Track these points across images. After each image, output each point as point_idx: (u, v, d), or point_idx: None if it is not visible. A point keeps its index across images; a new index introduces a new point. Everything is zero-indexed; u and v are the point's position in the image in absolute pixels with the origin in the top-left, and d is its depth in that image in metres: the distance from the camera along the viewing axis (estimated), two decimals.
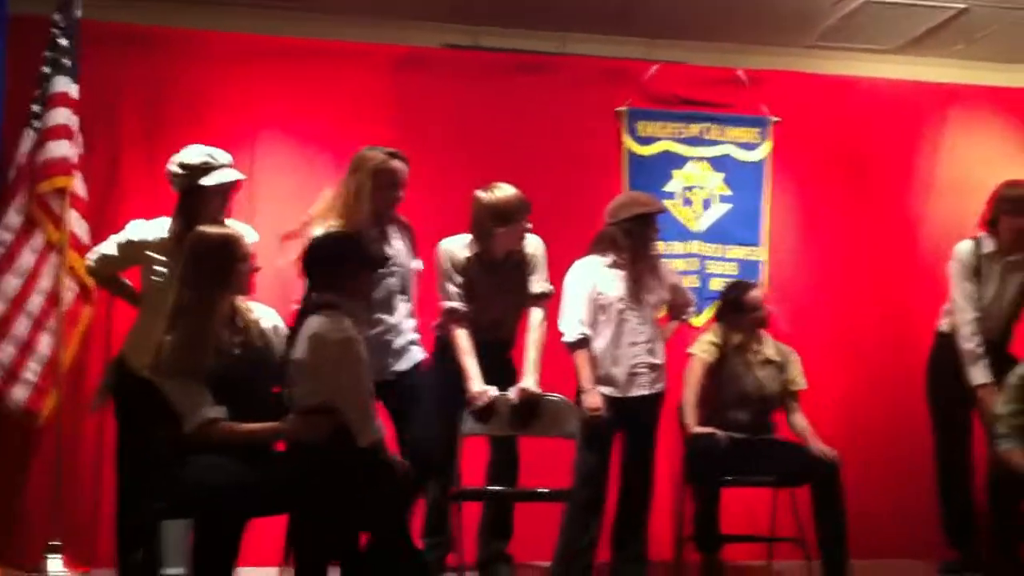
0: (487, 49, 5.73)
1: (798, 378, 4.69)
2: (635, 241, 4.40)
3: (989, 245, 4.70)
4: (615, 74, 5.45)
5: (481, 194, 4.22)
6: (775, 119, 5.47)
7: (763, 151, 5.46)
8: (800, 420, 4.64)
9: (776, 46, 6.41)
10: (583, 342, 4.36)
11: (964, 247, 4.74)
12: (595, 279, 4.41)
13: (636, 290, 4.41)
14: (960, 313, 4.68)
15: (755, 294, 4.69)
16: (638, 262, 4.42)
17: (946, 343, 4.77)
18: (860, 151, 5.57)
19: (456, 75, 5.30)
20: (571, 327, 4.38)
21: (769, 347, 4.69)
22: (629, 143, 5.36)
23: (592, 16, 6.09)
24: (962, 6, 5.96)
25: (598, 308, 4.40)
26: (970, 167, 5.50)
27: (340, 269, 3.52)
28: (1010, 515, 4.28)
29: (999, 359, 4.61)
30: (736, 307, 4.65)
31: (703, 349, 4.63)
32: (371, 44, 5.34)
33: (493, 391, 4.10)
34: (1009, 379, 4.43)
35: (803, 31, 6.34)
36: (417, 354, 4.07)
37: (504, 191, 4.20)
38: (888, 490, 5.16)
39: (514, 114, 5.28)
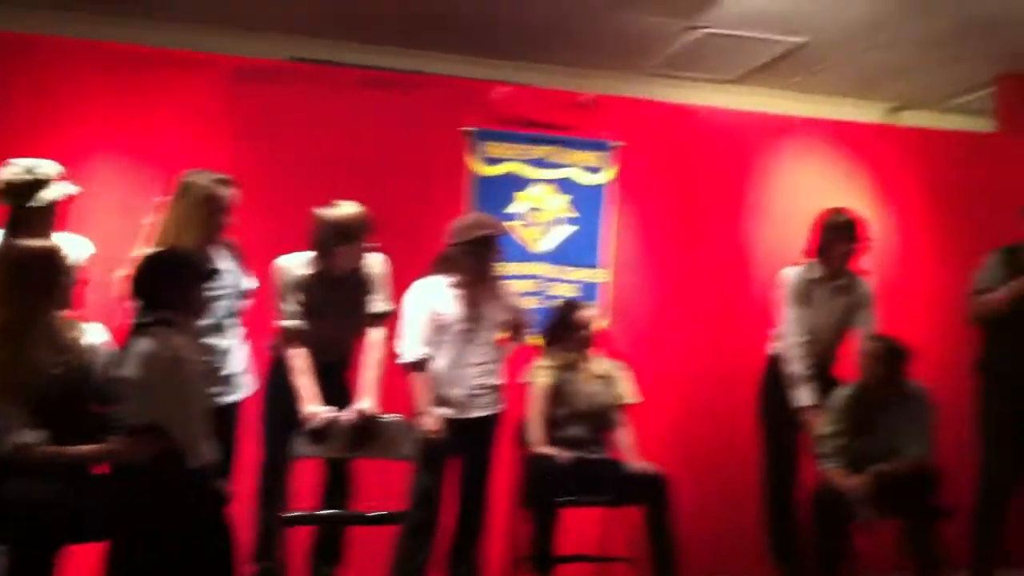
0: (335, 63, 5.68)
1: (625, 393, 4.78)
2: (477, 262, 4.42)
3: (816, 271, 4.89)
4: (464, 94, 5.45)
5: (322, 211, 4.18)
6: (619, 144, 5.56)
7: (606, 175, 5.55)
8: (624, 435, 4.73)
9: (621, 71, 6.58)
10: (421, 363, 4.35)
11: (792, 273, 4.92)
12: (435, 299, 4.41)
13: (476, 311, 4.43)
14: (788, 337, 4.85)
15: (583, 313, 4.78)
16: (479, 283, 4.44)
17: (776, 366, 4.94)
18: (699, 178, 5.71)
19: (302, 89, 5.20)
20: (409, 348, 4.36)
21: (598, 364, 4.79)
22: (475, 163, 5.38)
23: (443, 35, 6.13)
24: (802, 40, 6.21)
25: (438, 329, 4.39)
26: (801, 196, 5.70)
27: (173, 284, 3.44)
28: (833, 534, 4.46)
29: (825, 382, 4.79)
30: (565, 326, 4.74)
31: (540, 375, 4.68)
32: (213, 54, 5.22)
33: (328, 412, 4.05)
34: (832, 401, 4.62)
35: (647, 58, 6.52)
36: (247, 388, 4.01)
37: (346, 208, 4.17)
38: (719, 510, 5.29)
39: (361, 131, 5.22)
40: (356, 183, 4.74)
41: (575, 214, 5.49)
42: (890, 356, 4.51)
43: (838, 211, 4.92)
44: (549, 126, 5.51)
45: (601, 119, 5.59)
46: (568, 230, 5.48)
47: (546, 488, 4.42)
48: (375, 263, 4.30)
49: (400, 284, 4.45)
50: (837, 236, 4.85)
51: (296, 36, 5.99)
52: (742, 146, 5.80)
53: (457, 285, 4.43)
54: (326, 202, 4.21)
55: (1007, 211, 4.95)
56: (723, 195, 5.73)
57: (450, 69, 5.94)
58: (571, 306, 4.83)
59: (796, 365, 4.79)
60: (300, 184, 4.87)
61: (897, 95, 7.10)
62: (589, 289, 5.47)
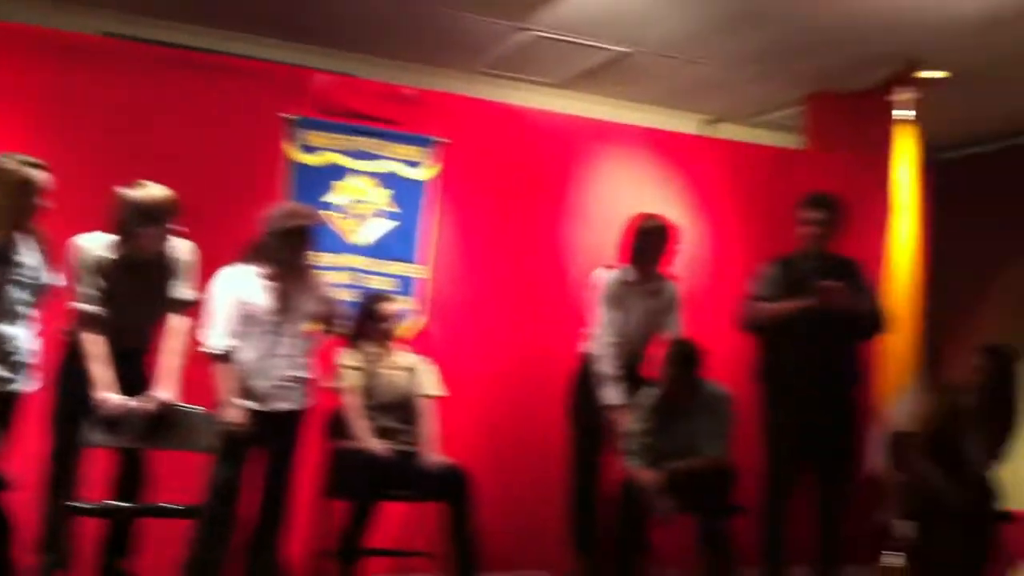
0: (150, 42, 5.48)
1: (427, 385, 4.77)
2: (289, 252, 4.33)
3: (628, 274, 5.00)
4: (284, 80, 5.34)
5: (127, 192, 4.01)
6: (443, 140, 5.55)
7: (429, 171, 5.53)
8: (425, 428, 4.70)
9: (448, 68, 6.58)
10: (227, 353, 4.24)
11: (604, 275, 5.01)
12: (244, 288, 4.30)
13: (286, 302, 4.34)
14: (599, 337, 4.94)
15: (386, 306, 4.75)
16: (290, 273, 4.35)
17: (587, 365, 5.02)
18: (521, 178, 5.75)
19: (114, 67, 4.98)
20: (214, 337, 4.24)
21: (402, 356, 4.78)
22: (294, 151, 5.27)
23: (264, 19, 6.00)
24: (626, 50, 6.36)
25: (245, 318, 4.29)
26: (619, 201, 5.82)
27: None
28: (632, 528, 4.55)
29: (633, 382, 4.89)
30: (368, 318, 4.70)
31: (348, 375, 4.62)
32: (18, 24, 4.95)
33: (121, 399, 3.89)
34: (638, 399, 4.72)
35: (476, 57, 6.55)
36: (32, 380, 3.87)
37: (152, 189, 4.02)
38: (524, 504, 5.34)
39: (174, 112, 5.02)
40: (169, 166, 4.55)
41: (395, 208, 5.45)
42: (684, 360, 4.65)
43: (651, 216, 5.04)
44: (372, 118, 5.45)
45: (426, 115, 5.56)
46: (388, 224, 5.43)
47: (360, 481, 4.37)
48: (182, 249, 4.15)
49: (211, 273, 4.33)
50: (648, 241, 4.97)
51: (110, 10, 5.75)
52: (564, 149, 5.88)
53: (268, 275, 4.33)
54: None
55: None
56: (544, 197, 5.79)
57: (269, 54, 5.81)
58: (374, 298, 4.80)
59: (606, 365, 4.89)
60: (111, 166, 4.63)
61: (712, 108, 7.34)
62: (406, 284, 5.44)
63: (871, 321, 5.07)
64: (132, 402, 3.89)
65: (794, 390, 4.86)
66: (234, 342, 4.25)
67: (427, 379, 4.78)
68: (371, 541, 4.59)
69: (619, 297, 4.98)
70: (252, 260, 4.35)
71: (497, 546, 4.62)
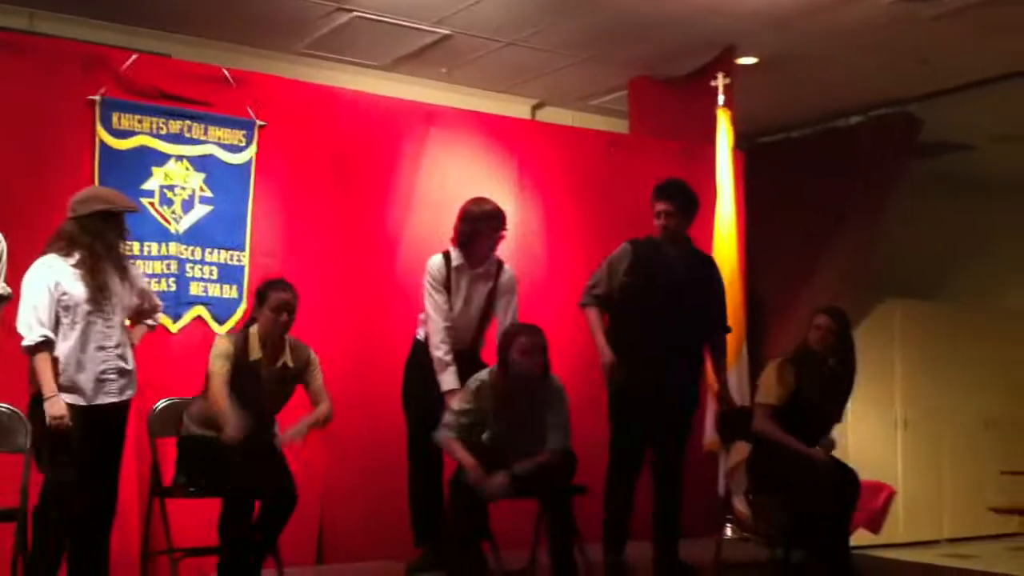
0: None
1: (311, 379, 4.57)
2: (95, 239, 4.08)
3: (458, 259, 4.92)
4: (90, 60, 5.00)
5: None
6: (261, 123, 5.34)
7: (248, 154, 5.31)
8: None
9: (265, 50, 6.38)
10: (44, 345, 3.97)
11: (435, 261, 4.91)
12: (58, 278, 4.03)
13: (101, 292, 4.09)
14: (431, 323, 4.85)
15: (279, 294, 4.38)
16: (101, 262, 4.10)
17: (420, 350, 4.93)
18: (345, 161, 5.59)
19: None
20: (31, 329, 3.96)
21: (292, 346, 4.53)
22: (103, 135, 4.95)
23: None
24: (446, 32, 6.29)
25: (62, 310, 4.03)
26: (447, 185, 5.75)
27: None
28: (468, 513, 4.47)
29: (469, 366, 4.82)
30: (261, 303, 4.40)
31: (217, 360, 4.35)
32: None
33: None
34: (470, 383, 4.65)
35: (292, 38, 6.38)
36: None
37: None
38: (366, 494, 5.23)
39: None
40: None
41: (210, 193, 5.21)
42: (536, 350, 4.55)
43: (479, 201, 4.97)
44: (186, 100, 5.19)
45: (243, 96, 5.33)
46: (203, 209, 5.19)
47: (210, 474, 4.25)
48: None
49: (18, 263, 4.07)
50: (476, 225, 4.89)
51: None
52: (389, 132, 5.76)
53: (78, 263, 4.06)
54: None
55: (643, 208, 5.19)
56: (370, 180, 5.66)
57: (72, 32, 5.48)
58: (267, 285, 4.44)
59: (438, 350, 4.80)
60: None
61: (538, 92, 7.36)
62: (231, 271, 5.22)
63: (720, 330, 5.21)
64: None
65: (630, 360, 4.89)
66: (51, 334, 3.98)
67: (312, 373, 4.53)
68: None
69: (447, 282, 4.90)
70: (57, 249, 4.07)
71: (342, 536, 4.48)
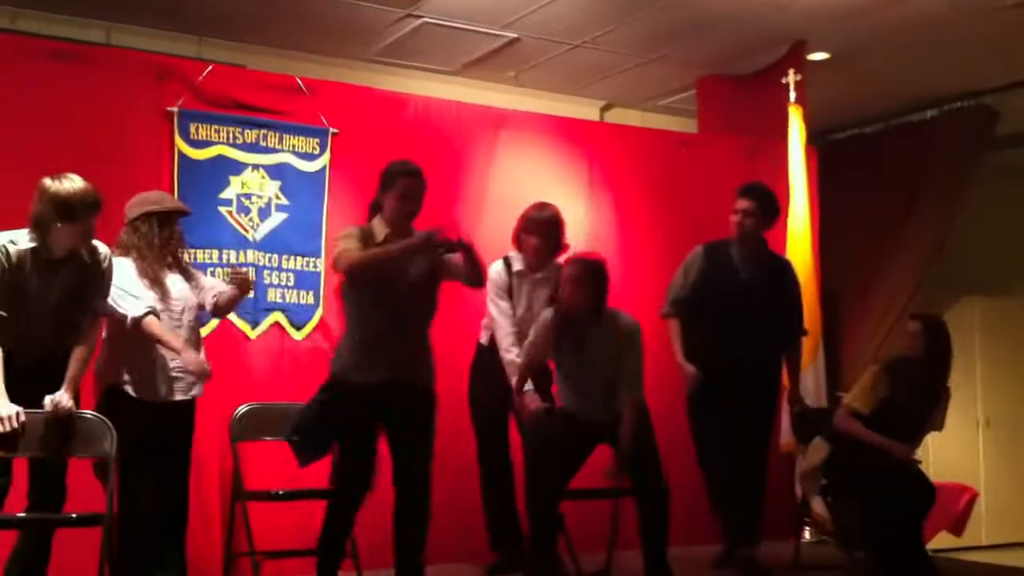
0: (25, 33, 5.22)
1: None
2: (144, 240, 4.18)
3: (518, 263, 4.92)
4: (166, 71, 5.09)
5: (47, 182, 3.78)
6: (334, 131, 5.40)
7: (322, 161, 5.38)
8: None
9: (336, 58, 6.45)
10: (151, 313, 4.11)
11: (496, 267, 4.91)
12: (126, 281, 4.14)
13: (161, 293, 4.19)
14: (498, 328, 4.86)
15: None
16: (152, 263, 4.19)
17: (484, 355, 4.96)
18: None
19: None
20: (135, 306, 4.11)
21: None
22: (181, 145, 5.05)
23: (149, 10, 5.80)
24: (513, 36, 6.31)
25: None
26: (517, 188, 5.76)
27: None
28: (546, 513, 4.47)
29: (536, 372, 4.82)
30: None
31: None
32: None
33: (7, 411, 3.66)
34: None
35: (363, 46, 6.44)
36: None
37: (73, 183, 3.79)
38: (442, 496, 5.25)
39: (53, 106, 4.77)
40: (51, 162, 4.33)
41: (285, 201, 5.28)
42: (587, 276, 4.45)
43: (540, 206, 4.95)
44: (261, 109, 5.27)
45: (315, 104, 5.40)
46: (279, 217, 5.26)
47: None
48: (102, 254, 3.96)
49: None
50: (530, 229, 4.88)
51: None
52: (460, 136, 5.79)
53: (138, 267, 4.18)
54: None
55: (714, 207, 5.17)
56: (441, 184, 5.62)
57: (147, 44, 5.60)
58: None
59: (509, 353, 4.80)
60: None
61: (606, 94, 7.35)
62: (307, 278, 5.29)
63: (796, 335, 5.18)
64: (21, 414, 3.67)
65: (714, 372, 4.86)
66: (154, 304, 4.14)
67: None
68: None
69: (509, 287, 4.89)
70: (115, 255, 4.15)
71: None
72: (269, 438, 4.64)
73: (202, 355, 4.27)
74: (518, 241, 4.92)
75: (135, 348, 4.13)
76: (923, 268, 7.07)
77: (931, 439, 7.41)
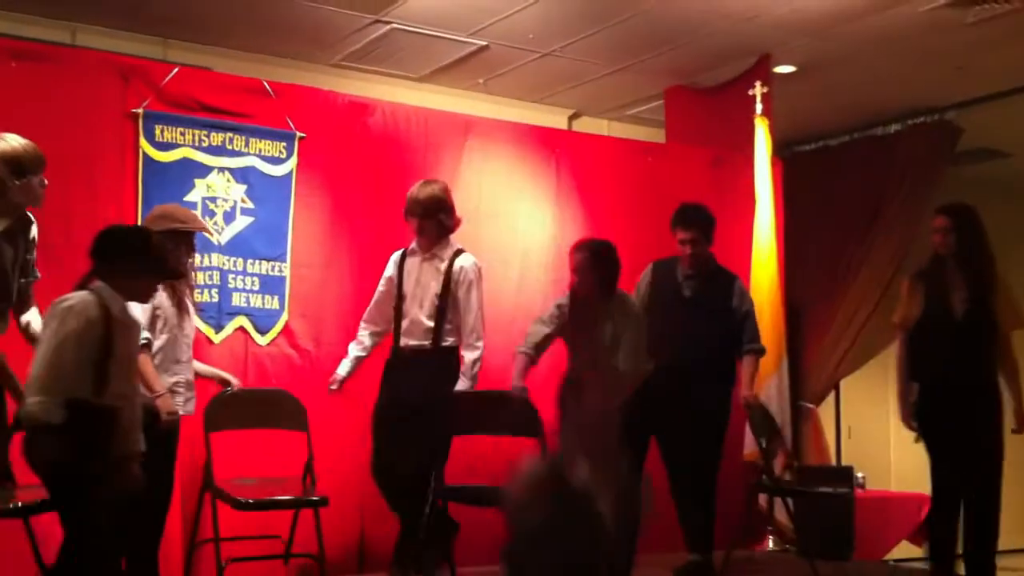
0: None
1: None
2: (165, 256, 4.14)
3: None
4: (131, 72, 5.03)
5: None
6: (301, 135, 5.37)
7: (288, 166, 5.35)
8: None
9: (303, 62, 6.42)
10: (145, 347, 4.10)
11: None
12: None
13: (181, 316, 4.28)
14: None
15: None
16: (183, 285, 4.28)
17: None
18: (383, 172, 5.60)
19: None
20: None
21: None
22: (146, 147, 4.99)
23: (115, 10, 5.75)
24: (482, 43, 6.31)
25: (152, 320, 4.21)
26: (484, 194, 5.76)
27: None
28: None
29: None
30: None
31: None
32: None
33: None
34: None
35: (331, 51, 6.43)
36: None
37: (16, 139, 3.75)
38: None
39: (16, 106, 4.69)
40: None
41: (251, 205, 5.24)
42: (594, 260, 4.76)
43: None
44: (227, 112, 5.23)
45: (281, 108, 5.36)
46: (245, 221, 5.23)
47: None
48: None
49: (68, 272, 4.04)
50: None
51: None
52: (427, 142, 5.77)
53: None
54: None
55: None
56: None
57: (111, 45, 5.55)
58: None
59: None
60: None
61: (574, 102, 7.37)
62: (272, 282, 5.25)
63: (749, 348, 5.22)
64: None
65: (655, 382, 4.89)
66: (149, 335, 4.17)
67: None
68: None
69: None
70: None
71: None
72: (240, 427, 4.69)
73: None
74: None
75: None
76: (886, 281, 7.12)
77: (892, 451, 7.54)
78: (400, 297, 4.89)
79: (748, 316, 5.23)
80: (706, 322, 5.06)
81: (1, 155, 3.70)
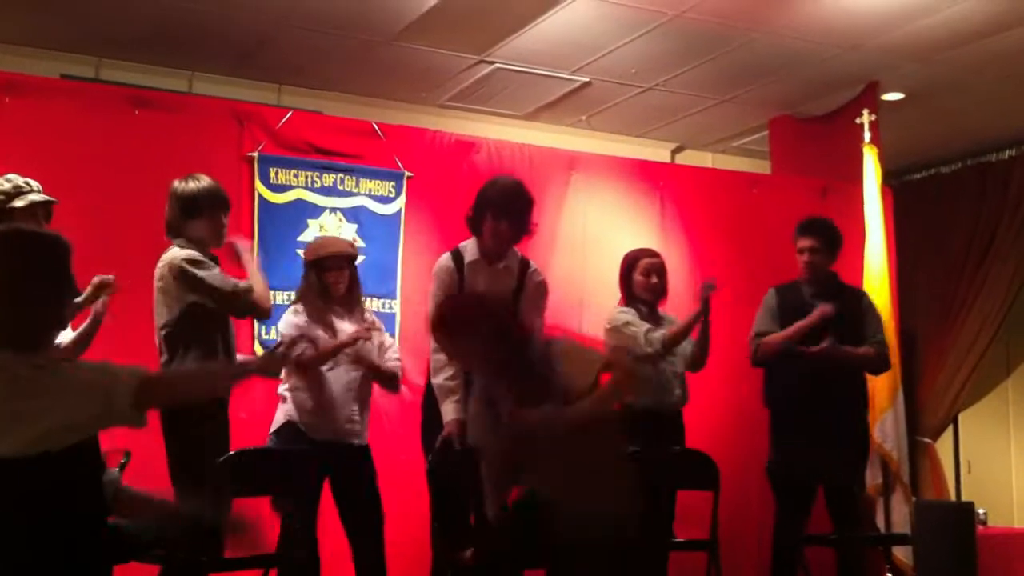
0: (108, 82, 5.39)
1: None
2: (306, 286, 4.44)
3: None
4: (245, 117, 5.22)
5: (175, 183, 4.09)
6: (409, 174, 5.48)
7: (397, 204, 5.45)
8: None
9: (410, 103, 6.54)
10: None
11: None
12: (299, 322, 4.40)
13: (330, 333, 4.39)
14: None
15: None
16: (310, 305, 4.42)
17: None
18: None
19: (73, 107, 4.88)
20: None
21: None
22: (261, 189, 5.16)
23: (227, 59, 5.94)
24: (584, 79, 6.36)
25: None
26: (589, 228, 5.78)
27: None
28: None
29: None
30: None
31: None
32: None
33: None
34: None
35: (436, 91, 6.54)
36: None
37: (198, 181, 4.12)
38: None
39: (135, 152, 4.91)
40: (133, 207, 4.53)
41: (362, 243, 5.35)
42: None
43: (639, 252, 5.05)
44: (337, 154, 5.37)
45: (390, 148, 5.49)
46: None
47: None
48: None
49: None
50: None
51: (65, 53, 5.67)
52: (532, 178, 5.71)
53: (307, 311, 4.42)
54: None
55: (788, 248, 5.13)
56: None
57: (226, 92, 5.75)
58: None
59: None
60: (69, 207, 4.52)
61: (678, 136, 7.35)
62: (383, 319, 5.30)
63: (877, 361, 5.03)
64: None
65: (802, 419, 4.79)
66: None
67: None
68: None
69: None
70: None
71: None
72: None
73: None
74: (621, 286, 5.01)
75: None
76: (1004, 310, 6.93)
77: (1015, 486, 7.28)
78: None
79: (880, 330, 5.06)
80: (843, 340, 4.83)
81: (180, 194, 4.00)
